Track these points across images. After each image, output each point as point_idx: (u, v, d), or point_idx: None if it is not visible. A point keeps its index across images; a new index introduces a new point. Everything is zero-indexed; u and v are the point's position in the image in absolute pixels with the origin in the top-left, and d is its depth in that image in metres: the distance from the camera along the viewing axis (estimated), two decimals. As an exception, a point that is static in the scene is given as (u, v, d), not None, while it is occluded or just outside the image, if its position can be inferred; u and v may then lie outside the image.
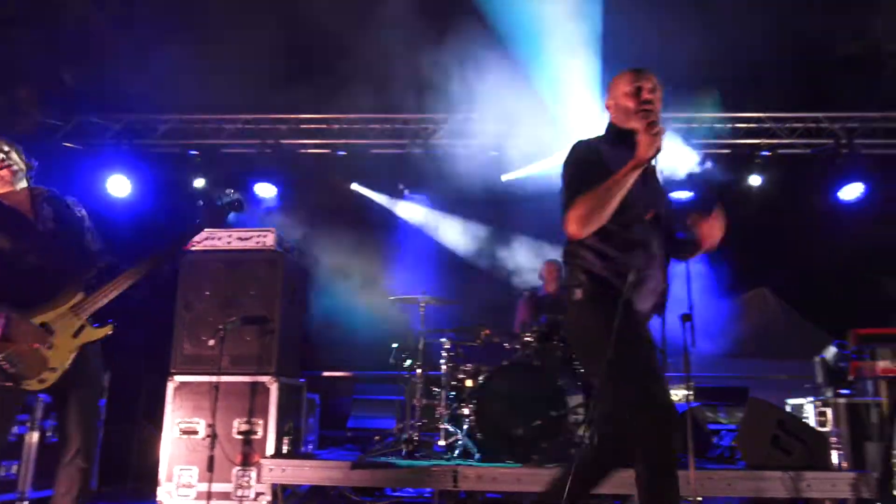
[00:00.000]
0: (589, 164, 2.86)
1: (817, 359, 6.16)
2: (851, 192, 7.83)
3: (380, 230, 8.67)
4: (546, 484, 3.04)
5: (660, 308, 2.97)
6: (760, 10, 7.29)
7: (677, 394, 6.40)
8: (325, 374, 7.56)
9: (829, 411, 5.34)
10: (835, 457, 4.64)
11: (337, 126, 8.19)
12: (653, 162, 2.85)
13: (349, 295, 7.40)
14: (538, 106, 7.08)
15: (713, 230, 2.94)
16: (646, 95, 2.93)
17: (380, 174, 8.33)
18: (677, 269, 4.90)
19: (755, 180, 8.00)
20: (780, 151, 7.89)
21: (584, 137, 3.03)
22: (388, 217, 8.83)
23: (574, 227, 2.77)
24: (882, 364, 3.63)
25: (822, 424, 5.28)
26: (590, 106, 6.92)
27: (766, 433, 4.65)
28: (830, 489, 4.39)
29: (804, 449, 4.61)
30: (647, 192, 2.91)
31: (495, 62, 6.74)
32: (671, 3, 6.78)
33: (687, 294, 4.53)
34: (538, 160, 7.76)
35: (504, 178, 7.98)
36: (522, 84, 6.91)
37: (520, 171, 7.97)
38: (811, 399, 5.58)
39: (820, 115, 7.77)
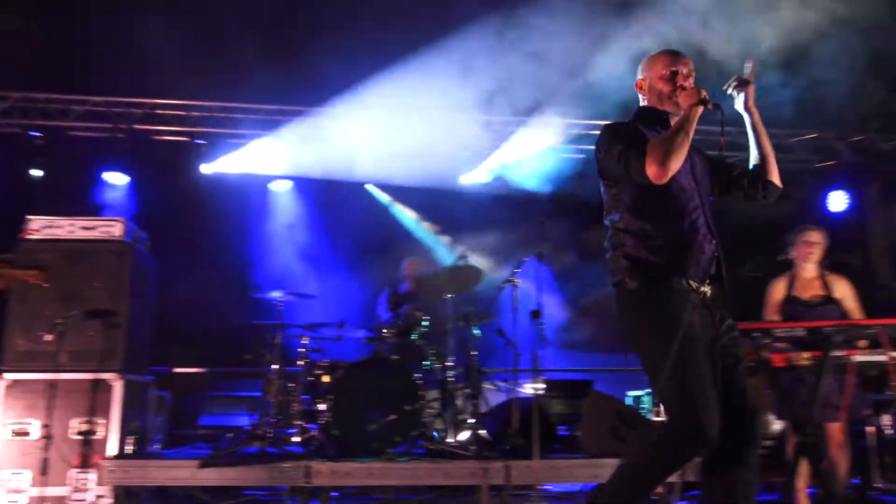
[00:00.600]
0: (634, 134, 2.84)
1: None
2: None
3: (240, 222, 8.44)
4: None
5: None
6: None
7: (526, 387, 6.68)
8: (177, 370, 7.28)
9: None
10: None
11: (197, 113, 7.90)
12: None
13: (204, 288, 7.16)
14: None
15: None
16: (681, 81, 2.89)
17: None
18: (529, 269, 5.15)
19: None
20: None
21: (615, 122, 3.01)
22: (249, 209, 8.60)
23: (654, 167, 2.65)
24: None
25: (658, 415, 5.69)
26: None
27: (605, 423, 4.95)
28: (661, 474, 4.73)
29: (638, 437, 4.94)
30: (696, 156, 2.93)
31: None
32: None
33: (536, 291, 4.77)
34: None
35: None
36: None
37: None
38: (649, 391, 6.00)
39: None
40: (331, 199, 8.40)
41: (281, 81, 7.20)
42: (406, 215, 8.95)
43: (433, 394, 5.88)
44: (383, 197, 8.90)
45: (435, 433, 5.38)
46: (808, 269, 4.70)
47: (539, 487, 5.91)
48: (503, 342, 5.77)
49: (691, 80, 2.90)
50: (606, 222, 2.91)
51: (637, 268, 2.74)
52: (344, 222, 8.29)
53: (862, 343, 3.88)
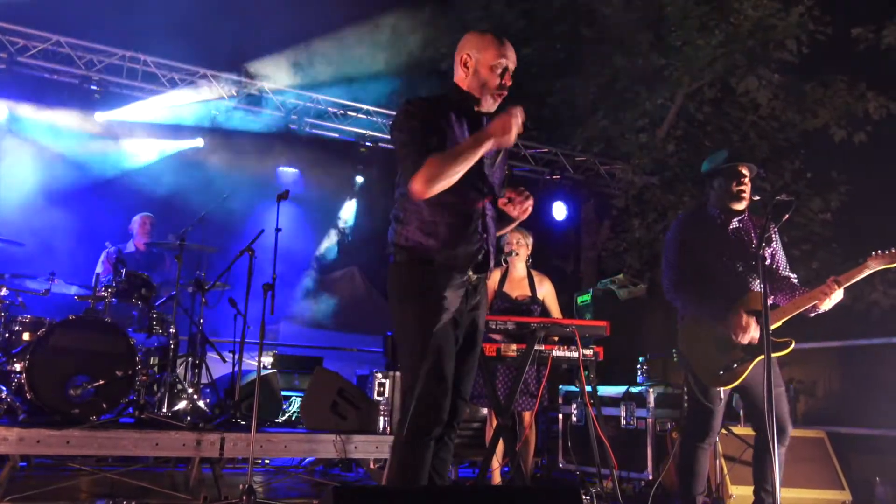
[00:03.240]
0: (433, 125, 2.75)
1: (387, 335, 6.88)
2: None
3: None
4: None
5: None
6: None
7: (254, 361, 6.57)
8: None
9: (388, 382, 6.00)
10: (382, 422, 5.21)
11: None
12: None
13: None
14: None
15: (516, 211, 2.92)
16: (507, 81, 2.86)
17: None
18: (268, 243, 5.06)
19: None
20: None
21: (419, 96, 2.86)
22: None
23: (418, 186, 2.64)
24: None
25: (381, 394, 5.90)
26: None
27: (327, 399, 5.04)
28: (374, 451, 4.93)
29: (358, 414, 5.11)
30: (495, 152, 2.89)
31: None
32: None
33: (273, 265, 4.69)
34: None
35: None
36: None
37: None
38: (375, 371, 6.20)
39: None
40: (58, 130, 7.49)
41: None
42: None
43: (152, 360, 5.57)
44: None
45: (150, 401, 5.08)
46: (518, 268, 5.17)
47: (265, 462, 5.87)
48: (234, 312, 5.62)
49: (509, 83, 2.89)
50: (396, 195, 2.91)
51: (407, 245, 2.81)
52: (70, 162, 7.44)
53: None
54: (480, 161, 2.79)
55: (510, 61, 2.87)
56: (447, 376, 2.73)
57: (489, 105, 2.91)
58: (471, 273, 2.84)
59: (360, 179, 9.39)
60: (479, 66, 2.86)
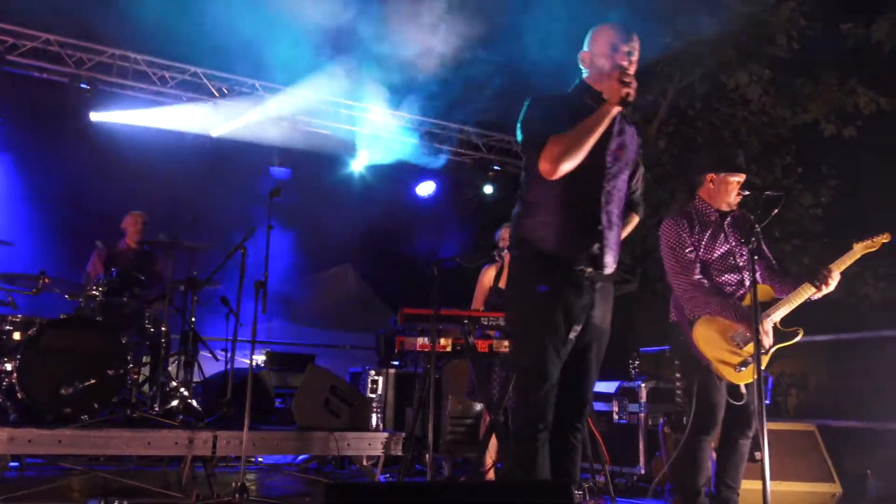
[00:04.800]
0: (557, 113, 2.76)
1: (379, 333, 6.89)
2: (426, 189, 8.92)
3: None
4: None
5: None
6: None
7: (246, 359, 6.56)
8: None
9: (381, 379, 6.01)
10: (375, 419, 5.21)
11: None
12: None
13: None
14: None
15: None
16: (621, 60, 2.79)
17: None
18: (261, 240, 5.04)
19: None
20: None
21: (545, 94, 2.89)
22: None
23: (547, 165, 2.67)
24: (421, 340, 4.18)
25: (374, 391, 5.91)
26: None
27: (320, 397, 5.03)
28: (367, 448, 4.94)
29: (350, 412, 5.11)
30: (621, 143, 2.87)
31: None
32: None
33: (266, 262, 4.68)
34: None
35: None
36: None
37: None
38: (368, 368, 6.20)
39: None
40: (45, 134, 7.47)
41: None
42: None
43: (144, 359, 5.55)
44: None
45: (141, 400, 5.07)
46: None
47: (258, 460, 5.86)
48: (226, 310, 5.61)
49: (633, 66, 2.83)
50: (518, 192, 2.94)
51: (524, 241, 2.82)
52: (59, 161, 7.41)
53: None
54: (601, 155, 2.76)
55: (626, 44, 2.82)
56: (550, 374, 2.71)
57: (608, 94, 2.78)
58: (585, 268, 2.77)
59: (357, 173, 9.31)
60: (594, 57, 2.87)
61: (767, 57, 9.07)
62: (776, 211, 3.45)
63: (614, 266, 2.89)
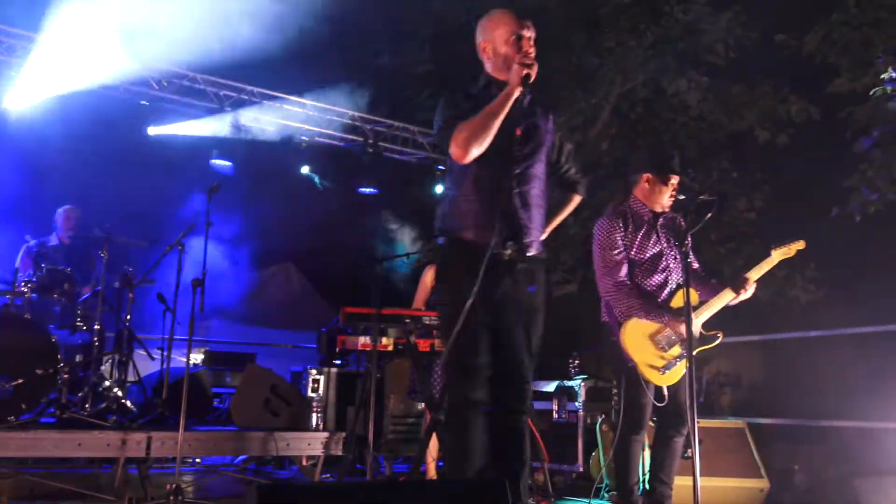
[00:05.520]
0: (463, 104, 2.85)
1: (321, 332, 6.82)
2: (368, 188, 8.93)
3: None
4: None
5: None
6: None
7: (183, 358, 6.43)
8: None
9: (322, 379, 5.95)
10: (315, 419, 5.17)
11: None
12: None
13: None
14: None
15: None
16: (527, 47, 2.85)
17: None
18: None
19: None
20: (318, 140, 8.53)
21: (454, 89, 2.98)
22: None
23: (456, 150, 2.75)
24: (362, 339, 4.17)
25: (315, 390, 5.85)
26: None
27: (259, 397, 4.97)
28: (307, 447, 4.89)
29: (290, 411, 5.06)
30: (531, 125, 2.93)
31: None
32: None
33: (203, 260, 4.60)
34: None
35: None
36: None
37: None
38: (310, 367, 6.14)
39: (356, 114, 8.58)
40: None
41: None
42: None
43: (76, 358, 5.39)
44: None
45: (72, 400, 4.91)
46: None
47: (195, 461, 5.74)
48: (163, 308, 5.48)
49: (534, 49, 2.88)
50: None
51: (445, 230, 2.91)
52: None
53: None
54: (510, 138, 2.81)
55: (526, 28, 2.89)
56: (477, 356, 2.76)
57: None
58: (503, 251, 2.82)
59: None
60: (497, 46, 2.92)
61: (706, 64, 9.33)
62: (710, 215, 3.54)
63: (538, 246, 2.96)
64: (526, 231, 2.88)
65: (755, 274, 3.73)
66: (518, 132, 2.86)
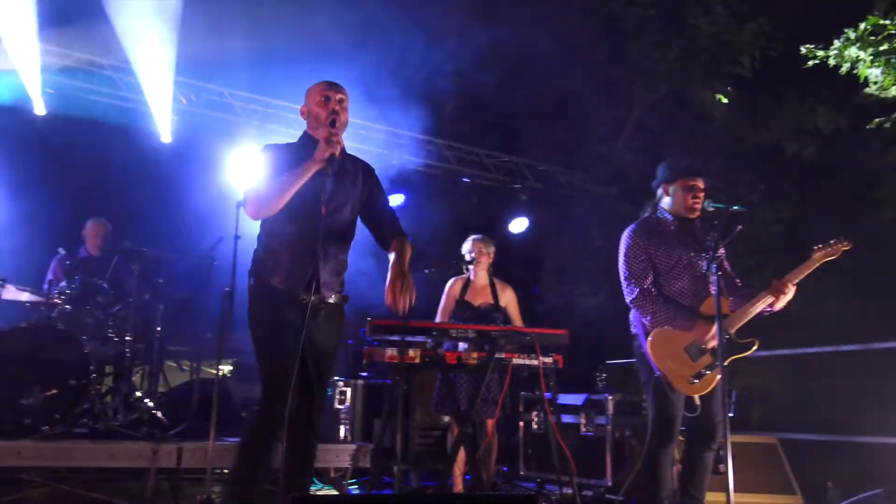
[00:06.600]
0: (280, 160, 3.11)
1: (348, 343, 6.85)
2: (395, 201, 8.93)
3: None
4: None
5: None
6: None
7: (212, 370, 6.48)
8: None
9: (349, 391, 5.97)
10: (343, 431, 5.19)
11: None
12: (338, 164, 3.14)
13: None
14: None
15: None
16: (333, 106, 3.16)
17: None
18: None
19: None
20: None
21: (275, 143, 3.25)
22: None
23: (249, 209, 3.06)
24: (389, 352, 4.16)
25: (342, 402, 5.87)
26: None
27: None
28: (335, 459, 4.91)
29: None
30: (338, 189, 3.18)
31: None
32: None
33: (234, 272, 4.64)
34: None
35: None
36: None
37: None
38: (337, 379, 6.16)
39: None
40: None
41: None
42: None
43: (108, 369, 5.46)
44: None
45: (104, 411, 4.98)
46: (481, 276, 5.20)
47: (224, 472, 5.76)
48: (193, 320, 5.54)
49: (345, 112, 3.21)
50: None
51: (254, 273, 3.17)
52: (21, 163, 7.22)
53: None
54: (318, 189, 3.05)
55: (333, 91, 3.21)
56: (280, 389, 2.97)
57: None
58: (306, 297, 3.06)
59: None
60: (310, 108, 3.25)
61: (731, 76, 9.28)
62: (740, 227, 3.51)
63: (334, 294, 3.22)
64: (324, 281, 3.14)
65: (795, 277, 3.65)
66: (323, 208, 3.09)
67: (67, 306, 5.05)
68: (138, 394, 5.28)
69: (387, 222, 3.40)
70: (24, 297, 5.27)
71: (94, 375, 4.71)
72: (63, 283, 5.23)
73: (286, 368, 2.95)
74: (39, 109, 6.85)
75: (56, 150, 7.15)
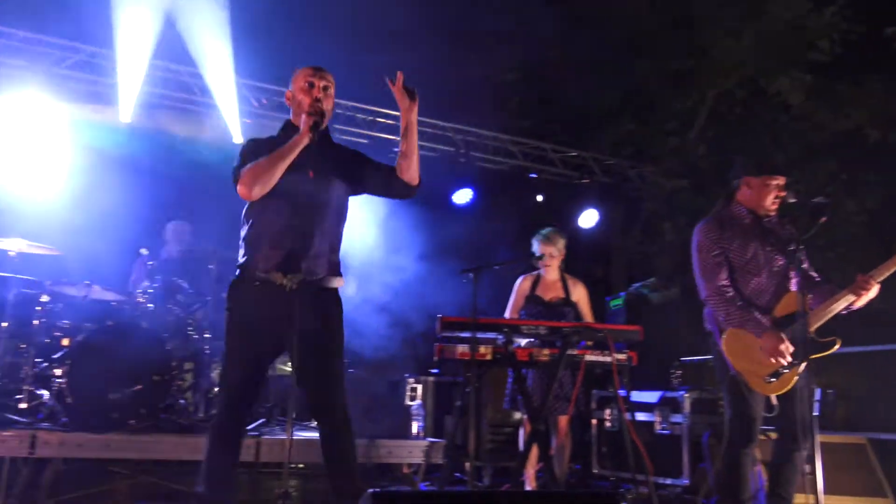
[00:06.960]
0: (262, 148, 3.05)
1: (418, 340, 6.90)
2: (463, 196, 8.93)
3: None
4: None
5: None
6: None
7: (288, 367, 6.59)
8: None
9: (420, 387, 6.02)
10: (415, 427, 5.22)
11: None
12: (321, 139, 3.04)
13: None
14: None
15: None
16: (317, 93, 3.08)
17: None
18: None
19: None
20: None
21: (255, 137, 3.22)
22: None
23: (242, 188, 2.98)
24: (460, 348, 4.16)
25: (413, 399, 5.92)
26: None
27: (360, 404, 5.06)
28: (407, 455, 4.95)
29: (391, 419, 5.13)
30: (325, 155, 3.10)
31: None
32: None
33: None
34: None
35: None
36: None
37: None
38: (408, 376, 6.21)
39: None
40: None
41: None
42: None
43: (187, 365, 5.63)
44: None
45: (185, 406, 5.15)
46: (551, 271, 5.15)
47: (300, 466, 5.89)
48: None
49: (330, 99, 3.13)
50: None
51: (239, 264, 3.09)
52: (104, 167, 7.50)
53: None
54: (303, 159, 2.99)
55: (318, 78, 3.12)
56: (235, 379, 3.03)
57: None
58: (285, 281, 2.96)
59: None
60: (294, 94, 3.16)
61: (809, 62, 8.94)
62: (824, 219, 3.37)
63: (324, 272, 3.08)
64: (311, 259, 3.03)
65: (879, 275, 3.49)
66: (311, 175, 3.05)
67: (150, 305, 5.23)
68: (217, 389, 5.43)
69: (386, 165, 3.27)
70: (110, 296, 5.48)
71: (175, 371, 4.86)
72: (146, 283, 5.43)
73: (238, 378, 3.00)
74: (125, 117, 7.11)
75: (137, 155, 7.41)
